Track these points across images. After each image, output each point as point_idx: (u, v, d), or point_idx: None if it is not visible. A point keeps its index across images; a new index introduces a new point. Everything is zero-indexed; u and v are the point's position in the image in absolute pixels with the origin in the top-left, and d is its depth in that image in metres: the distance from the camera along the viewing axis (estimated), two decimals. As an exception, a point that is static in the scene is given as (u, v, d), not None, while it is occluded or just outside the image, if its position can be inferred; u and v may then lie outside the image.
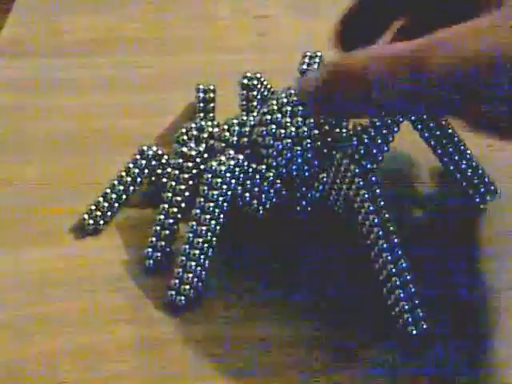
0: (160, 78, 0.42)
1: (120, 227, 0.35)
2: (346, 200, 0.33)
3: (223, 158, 0.33)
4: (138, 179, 0.36)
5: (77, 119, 0.40)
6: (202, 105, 0.38)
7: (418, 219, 0.35)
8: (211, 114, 0.38)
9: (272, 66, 0.36)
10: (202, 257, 0.32)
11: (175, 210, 0.34)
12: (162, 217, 0.34)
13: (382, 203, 0.32)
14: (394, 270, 0.31)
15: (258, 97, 0.37)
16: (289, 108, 0.33)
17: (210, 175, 0.32)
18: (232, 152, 0.33)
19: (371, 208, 0.31)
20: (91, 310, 0.32)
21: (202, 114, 0.38)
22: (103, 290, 0.33)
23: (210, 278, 0.33)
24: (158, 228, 0.34)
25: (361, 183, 0.32)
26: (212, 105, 0.38)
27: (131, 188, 0.36)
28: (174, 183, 0.34)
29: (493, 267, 0.32)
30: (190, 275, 0.32)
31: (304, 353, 0.30)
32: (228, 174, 0.32)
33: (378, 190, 0.32)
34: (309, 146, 0.33)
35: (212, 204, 0.32)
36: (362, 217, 0.32)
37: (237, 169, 0.33)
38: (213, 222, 0.32)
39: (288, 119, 0.33)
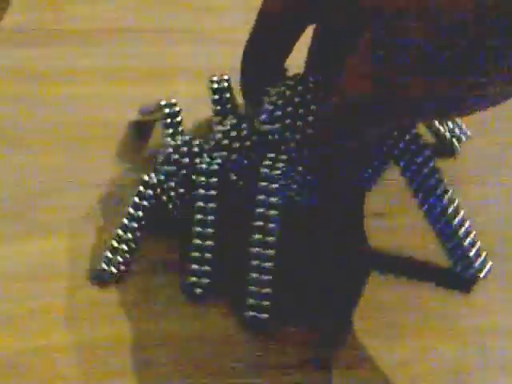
0: (160, 69, 0.41)
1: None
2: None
3: (270, 163, 0.32)
4: (147, 212, 0.34)
5: (80, 110, 0.40)
6: (168, 121, 0.36)
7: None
8: (180, 128, 0.36)
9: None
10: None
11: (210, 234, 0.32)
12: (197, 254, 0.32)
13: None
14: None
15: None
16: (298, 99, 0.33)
17: (266, 183, 0.31)
18: (273, 155, 0.32)
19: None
20: (90, 304, 0.32)
21: (170, 130, 0.36)
22: (102, 284, 0.32)
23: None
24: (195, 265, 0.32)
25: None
26: (179, 118, 0.36)
27: (143, 222, 0.34)
28: (202, 203, 0.32)
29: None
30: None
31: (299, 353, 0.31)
32: (281, 177, 0.32)
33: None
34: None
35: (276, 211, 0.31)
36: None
37: (285, 169, 0.32)
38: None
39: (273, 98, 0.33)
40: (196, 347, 0.31)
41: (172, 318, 0.32)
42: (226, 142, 0.34)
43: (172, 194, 0.33)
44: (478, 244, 0.32)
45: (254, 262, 0.31)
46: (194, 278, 0.32)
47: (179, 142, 0.34)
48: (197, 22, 0.44)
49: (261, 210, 0.31)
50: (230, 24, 0.41)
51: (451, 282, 0.33)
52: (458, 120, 0.38)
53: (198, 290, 0.32)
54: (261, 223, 0.31)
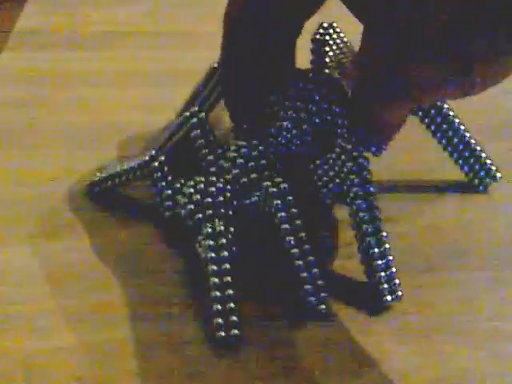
0: (177, 73, 0.42)
1: (138, 221, 0.35)
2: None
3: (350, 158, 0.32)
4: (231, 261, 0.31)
5: (92, 113, 0.40)
6: (159, 174, 0.34)
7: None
8: (170, 178, 0.34)
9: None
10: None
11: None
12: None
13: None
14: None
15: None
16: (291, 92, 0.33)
17: (354, 175, 0.31)
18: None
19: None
20: (109, 305, 0.32)
21: (163, 183, 0.34)
22: (121, 284, 0.32)
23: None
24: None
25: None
26: (166, 168, 0.34)
27: (232, 273, 0.31)
28: (288, 226, 0.31)
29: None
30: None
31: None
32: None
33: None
34: (308, 130, 0.33)
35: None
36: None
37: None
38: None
39: (289, 103, 0.33)
40: (205, 351, 0.30)
41: (185, 321, 0.31)
42: (252, 163, 0.33)
43: (229, 236, 0.32)
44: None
45: (377, 249, 0.31)
46: (313, 298, 0.31)
47: (198, 196, 0.32)
48: (212, 25, 0.44)
49: (359, 201, 0.31)
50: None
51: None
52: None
53: (323, 307, 0.31)
54: (366, 214, 0.31)
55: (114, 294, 0.32)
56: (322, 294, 0.31)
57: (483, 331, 0.31)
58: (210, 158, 0.34)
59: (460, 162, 0.37)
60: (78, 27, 0.44)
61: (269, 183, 0.31)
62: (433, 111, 0.35)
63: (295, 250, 0.31)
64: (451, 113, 0.35)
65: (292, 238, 0.31)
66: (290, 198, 0.31)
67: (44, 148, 0.38)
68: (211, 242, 0.31)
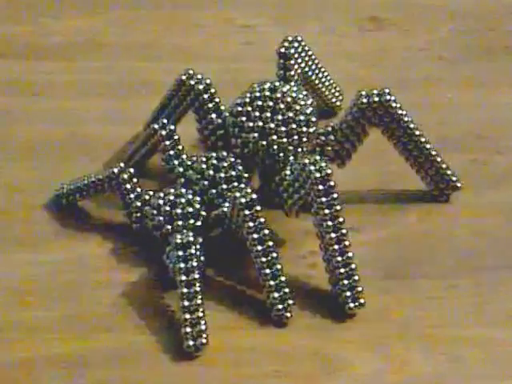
0: (143, 85, 0.42)
1: (105, 232, 0.35)
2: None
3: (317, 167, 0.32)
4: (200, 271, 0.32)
5: (59, 124, 0.40)
6: (128, 186, 0.34)
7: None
8: (138, 190, 0.34)
9: (254, 76, 0.36)
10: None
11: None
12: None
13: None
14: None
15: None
16: (259, 103, 0.34)
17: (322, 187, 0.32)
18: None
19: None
20: (74, 317, 0.32)
21: (132, 195, 0.34)
22: (86, 297, 0.32)
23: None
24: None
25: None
26: (134, 180, 0.34)
27: (201, 282, 0.31)
28: (256, 235, 0.32)
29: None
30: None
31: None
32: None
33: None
34: (274, 142, 0.34)
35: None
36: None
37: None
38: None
39: (257, 113, 0.34)
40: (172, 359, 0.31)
41: (147, 331, 0.32)
42: (221, 175, 0.34)
43: (198, 246, 0.32)
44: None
45: (340, 258, 0.32)
46: (280, 306, 0.32)
47: (167, 207, 0.33)
48: (179, 38, 0.44)
49: (324, 211, 0.32)
50: (212, 41, 0.41)
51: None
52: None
53: (288, 314, 0.32)
54: (330, 223, 0.32)
55: (79, 307, 0.32)
56: (289, 302, 0.32)
57: (442, 337, 0.32)
58: (179, 169, 0.35)
59: (421, 172, 0.37)
60: (40, 38, 0.43)
61: (237, 194, 0.32)
62: (393, 124, 0.36)
63: (263, 259, 0.32)
64: (412, 125, 0.36)
65: (260, 247, 0.32)
66: (258, 208, 0.32)
67: (8, 160, 0.38)
68: (180, 253, 0.31)
